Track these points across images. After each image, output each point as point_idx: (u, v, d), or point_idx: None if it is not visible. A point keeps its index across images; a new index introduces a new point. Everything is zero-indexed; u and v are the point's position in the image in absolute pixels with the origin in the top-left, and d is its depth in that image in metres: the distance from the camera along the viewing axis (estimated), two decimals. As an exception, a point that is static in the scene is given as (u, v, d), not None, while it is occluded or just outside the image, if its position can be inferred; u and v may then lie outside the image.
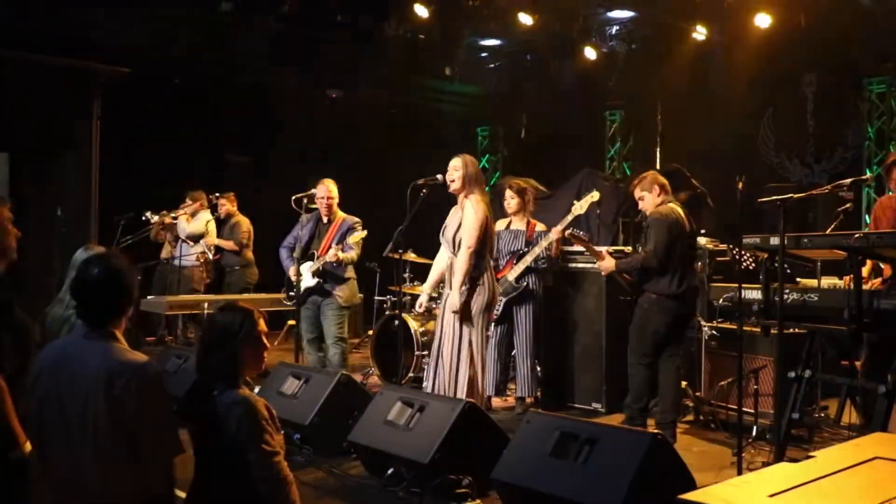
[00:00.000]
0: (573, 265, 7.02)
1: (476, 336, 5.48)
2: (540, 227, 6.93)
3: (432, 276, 6.03)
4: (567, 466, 3.94)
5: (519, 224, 6.93)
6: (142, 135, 9.82)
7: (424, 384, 5.84)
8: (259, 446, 2.96)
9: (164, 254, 9.69)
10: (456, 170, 5.58)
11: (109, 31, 8.82)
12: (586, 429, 4.09)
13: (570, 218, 6.70)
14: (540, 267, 6.83)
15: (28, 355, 3.30)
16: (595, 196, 6.85)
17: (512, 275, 6.77)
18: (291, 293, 7.01)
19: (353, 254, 6.85)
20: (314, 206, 6.99)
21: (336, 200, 7.00)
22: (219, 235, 9.44)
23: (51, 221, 9.28)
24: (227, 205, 9.46)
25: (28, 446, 3.05)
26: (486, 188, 12.33)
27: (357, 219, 7.00)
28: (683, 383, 6.52)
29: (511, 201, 6.98)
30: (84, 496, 2.79)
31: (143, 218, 8.86)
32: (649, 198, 5.99)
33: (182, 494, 3.16)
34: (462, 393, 5.39)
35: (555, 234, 6.71)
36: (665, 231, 5.73)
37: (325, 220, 7.00)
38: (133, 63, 8.83)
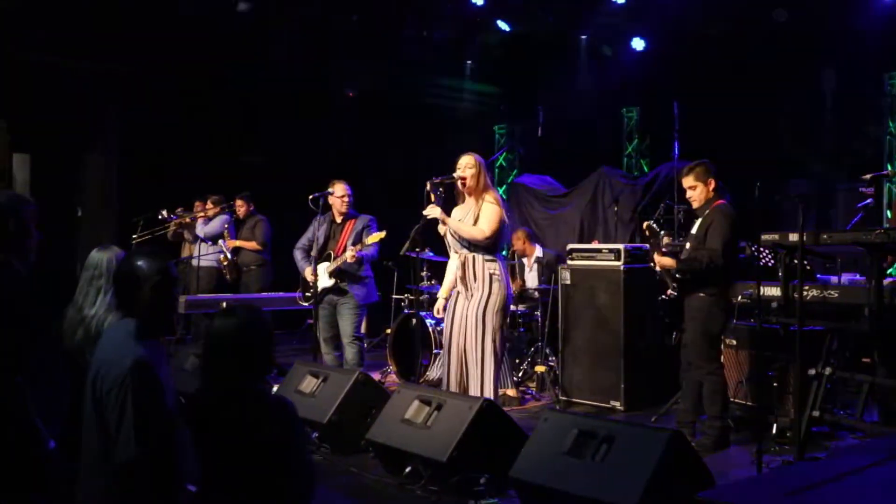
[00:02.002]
0: (589, 262, 6.99)
1: (498, 335, 5.50)
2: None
3: (447, 281, 5.95)
4: (584, 464, 3.93)
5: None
6: (160, 136, 9.88)
7: (444, 383, 5.79)
8: (303, 446, 3.02)
9: (184, 253, 9.76)
10: (469, 167, 5.59)
11: (129, 33, 8.88)
12: (604, 427, 4.08)
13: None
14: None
15: (50, 354, 3.33)
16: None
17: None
18: (307, 293, 7.02)
19: (370, 251, 6.84)
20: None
21: (350, 200, 7.00)
22: (237, 236, 9.48)
23: (71, 222, 9.38)
24: (245, 205, 9.50)
25: (52, 443, 3.08)
26: (503, 186, 12.45)
27: (370, 216, 7.00)
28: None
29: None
30: (103, 489, 2.82)
31: (160, 217, 8.91)
32: (702, 189, 5.60)
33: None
34: (488, 392, 5.39)
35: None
36: (730, 228, 5.42)
37: (338, 219, 7.01)
38: (151, 65, 8.91)
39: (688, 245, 5.59)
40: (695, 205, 5.64)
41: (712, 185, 5.57)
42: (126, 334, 2.87)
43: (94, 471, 2.82)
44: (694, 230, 5.59)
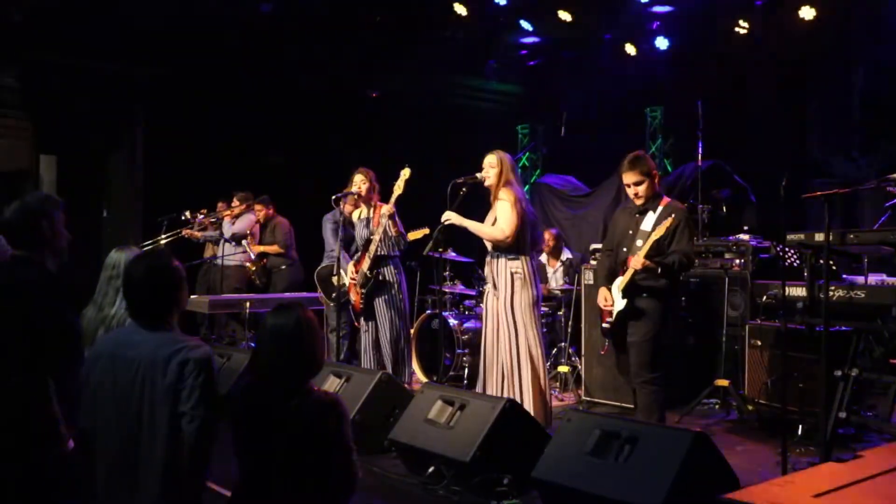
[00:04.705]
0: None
1: (532, 333, 5.50)
2: (385, 209, 6.44)
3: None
4: (607, 465, 3.92)
5: (367, 212, 6.68)
6: (184, 136, 9.94)
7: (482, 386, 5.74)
8: (350, 444, 3.03)
9: (207, 253, 9.82)
10: (492, 166, 5.61)
11: (152, 35, 8.94)
12: (627, 427, 4.06)
13: (392, 199, 6.40)
14: (391, 254, 6.51)
15: (77, 355, 3.37)
16: (406, 173, 6.37)
17: (365, 266, 6.51)
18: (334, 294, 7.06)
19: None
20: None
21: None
22: (261, 240, 9.53)
23: (97, 222, 9.47)
24: (264, 209, 9.53)
25: (71, 443, 3.11)
26: (526, 186, 12.42)
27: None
28: (727, 382, 6.45)
29: (362, 186, 6.63)
30: (135, 485, 2.84)
31: (183, 217, 8.97)
32: (649, 185, 5.24)
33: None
34: (528, 393, 5.38)
35: (386, 210, 6.37)
36: (693, 226, 5.26)
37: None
38: (175, 66, 8.96)
39: (638, 242, 5.20)
40: (640, 202, 5.28)
41: (657, 179, 5.33)
42: (157, 329, 2.94)
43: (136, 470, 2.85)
44: (647, 227, 5.23)
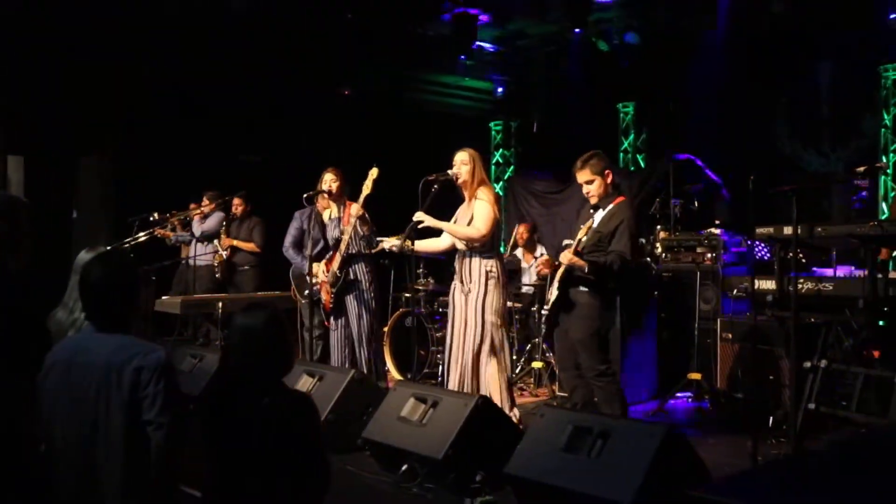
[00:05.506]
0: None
1: (499, 333, 5.50)
2: (355, 209, 6.37)
3: (428, 243, 5.90)
4: (580, 460, 3.93)
5: (338, 211, 6.66)
6: (156, 137, 9.85)
7: (444, 380, 5.78)
8: (323, 443, 3.02)
9: (183, 254, 9.74)
10: (464, 163, 5.61)
11: (123, 34, 8.85)
12: (599, 423, 4.08)
13: (361, 198, 6.28)
14: (362, 252, 6.48)
15: (44, 356, 3.34)
16: (374, 172, 6.28)
17: (336, 265, 6.47)
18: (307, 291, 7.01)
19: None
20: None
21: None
22: (234, 235, 9.46)
23: (65, 224, 9.36)
24: (242, 204, 9.48)
25: (43, 447, 3.08)
26: (500, 182, 12.44)
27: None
28: (699, 375, 6.49)
29: (333, 184, 6.60)
30: (95, 490, 2.81)
31: (151, 218, 8.88)
32: (599, 183, 5.35)
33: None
34: (486, 389, 5.39)
35: (356, 211, 6.29)
36: (636, 228, 5.31)
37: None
38: (147, 65, 8.87)
39: (583, 236, 5.27)
40: (593, 200, 5.39)
41: (610, 178, 5.38)
42: (114, 333, 2.90)
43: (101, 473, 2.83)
44: (595, 224, 5.32)
